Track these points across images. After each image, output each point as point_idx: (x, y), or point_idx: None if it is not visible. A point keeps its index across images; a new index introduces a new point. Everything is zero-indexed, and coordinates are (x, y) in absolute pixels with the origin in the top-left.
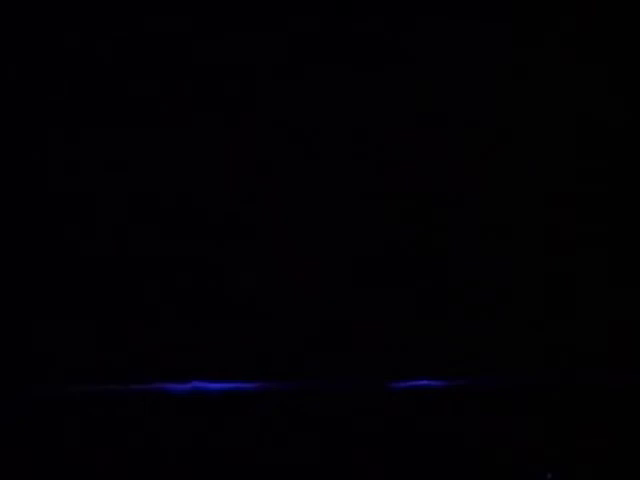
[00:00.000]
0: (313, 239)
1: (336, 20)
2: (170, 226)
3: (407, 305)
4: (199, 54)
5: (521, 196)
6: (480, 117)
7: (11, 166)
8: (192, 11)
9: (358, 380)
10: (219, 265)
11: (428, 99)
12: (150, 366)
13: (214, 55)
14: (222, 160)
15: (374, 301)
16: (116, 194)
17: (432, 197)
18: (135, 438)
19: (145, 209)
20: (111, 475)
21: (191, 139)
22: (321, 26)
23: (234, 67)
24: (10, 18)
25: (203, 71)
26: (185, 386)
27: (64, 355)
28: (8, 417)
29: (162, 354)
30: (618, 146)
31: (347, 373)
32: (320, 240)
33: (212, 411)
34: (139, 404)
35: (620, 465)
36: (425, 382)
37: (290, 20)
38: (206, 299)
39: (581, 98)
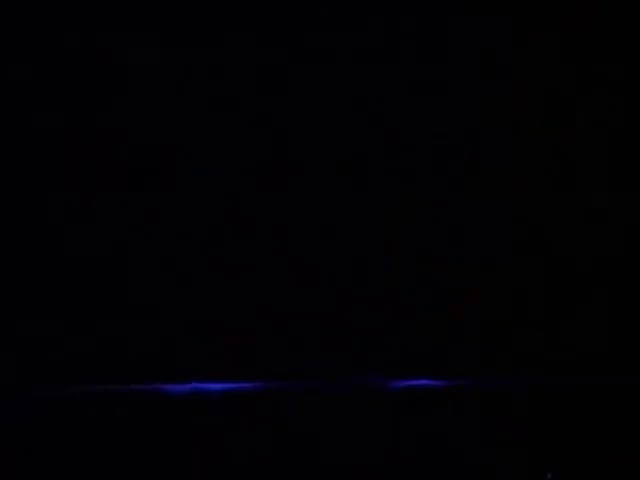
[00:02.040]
0: (313, 239)
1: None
2: (171, 230)
3: (408, 304)
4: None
5: (525, 202)
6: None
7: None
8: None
9: (358, 380)
10: (214, 266)
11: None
12: (149, 366)
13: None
14: None
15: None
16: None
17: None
18: (135, 438)
19: (140, 214)
20: (111, 475)
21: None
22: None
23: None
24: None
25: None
26: (184, 386)
27: (64, 355)
28: (8, 417)
29: (161, 354)
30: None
31: (347, 373)
32: (319, 239)
33: (212, 411)
34: (139, 404)
35: (620, 465)
36: (425, 382)
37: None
38: (203, 299)
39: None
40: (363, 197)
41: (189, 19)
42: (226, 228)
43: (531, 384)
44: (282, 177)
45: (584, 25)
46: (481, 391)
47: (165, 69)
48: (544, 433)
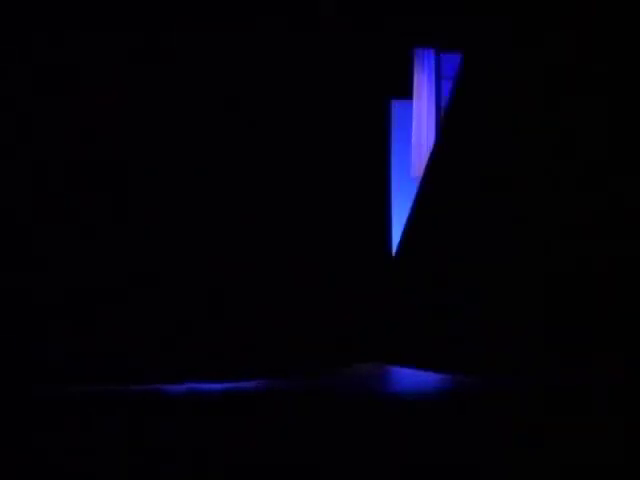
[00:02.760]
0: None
1: None
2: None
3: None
4: None
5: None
6: None
7: None
8: None
9: (359, 383)
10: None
11: None
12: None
13: None
14: None
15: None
16: None
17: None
18: (134, 437)
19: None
20: (111, 474)
21: None
22: None
23: None
24: None
25: None
26: (182, 387)
27: (64, 357)
28: (8, 417)
29: (160, 355)
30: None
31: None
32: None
33: (211, 411)
34: (138, 404)
35: (620, 465)
36: (426, 385)
37: None
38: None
39: None
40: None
41: None
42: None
43: (531, 384)
44: None
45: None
46: (481, 391)
47: None
48: (543, 433)
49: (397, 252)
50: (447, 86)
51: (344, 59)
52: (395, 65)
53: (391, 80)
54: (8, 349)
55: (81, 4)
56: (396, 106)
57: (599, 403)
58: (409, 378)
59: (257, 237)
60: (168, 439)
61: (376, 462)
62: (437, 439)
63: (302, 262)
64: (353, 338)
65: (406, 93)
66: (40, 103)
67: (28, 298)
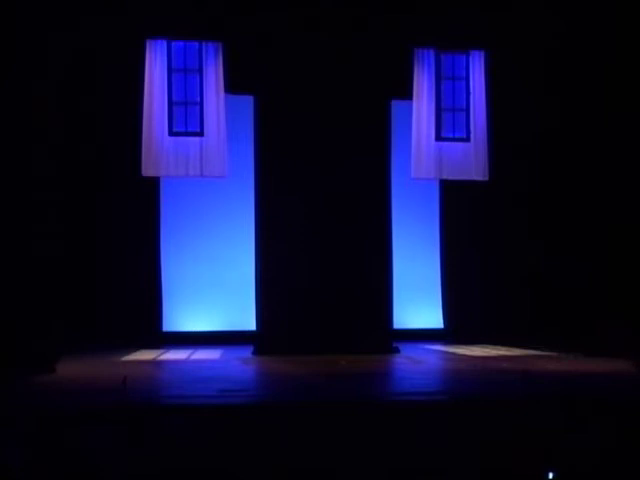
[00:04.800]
0: None
1: None
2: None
3: None
4: None
5: None
6: None
7: None
8: None
9: (359, 384)
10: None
11: None
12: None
13: None
14: None
15: None
16: None
17: None
18: (134, 438)
19: None
20: (111, 474)
21: None
22: None
23: None
24: None
25: None
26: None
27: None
28: (8, 417)
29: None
30: None
31: None
32: None
33: (210, 413)
34: (138, 406)
35: (620, 465)
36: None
37: None
38: None
39: None
40: None
41: None
42: None
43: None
44: None
45: None
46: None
47: None
48: (545, 434)
49: None
50: (447, 86)
51: (344, 59)
52: (395, 65)
53: (391, 80)
54: (9, 345)
55: None
56: (396, 106)
57: None
58: None
59: None
60: (168, 439)
61: (376, 464)
62: (436, 442)
63: None
64: None
65: (406, 93)
66: None
67: (31, 297)
